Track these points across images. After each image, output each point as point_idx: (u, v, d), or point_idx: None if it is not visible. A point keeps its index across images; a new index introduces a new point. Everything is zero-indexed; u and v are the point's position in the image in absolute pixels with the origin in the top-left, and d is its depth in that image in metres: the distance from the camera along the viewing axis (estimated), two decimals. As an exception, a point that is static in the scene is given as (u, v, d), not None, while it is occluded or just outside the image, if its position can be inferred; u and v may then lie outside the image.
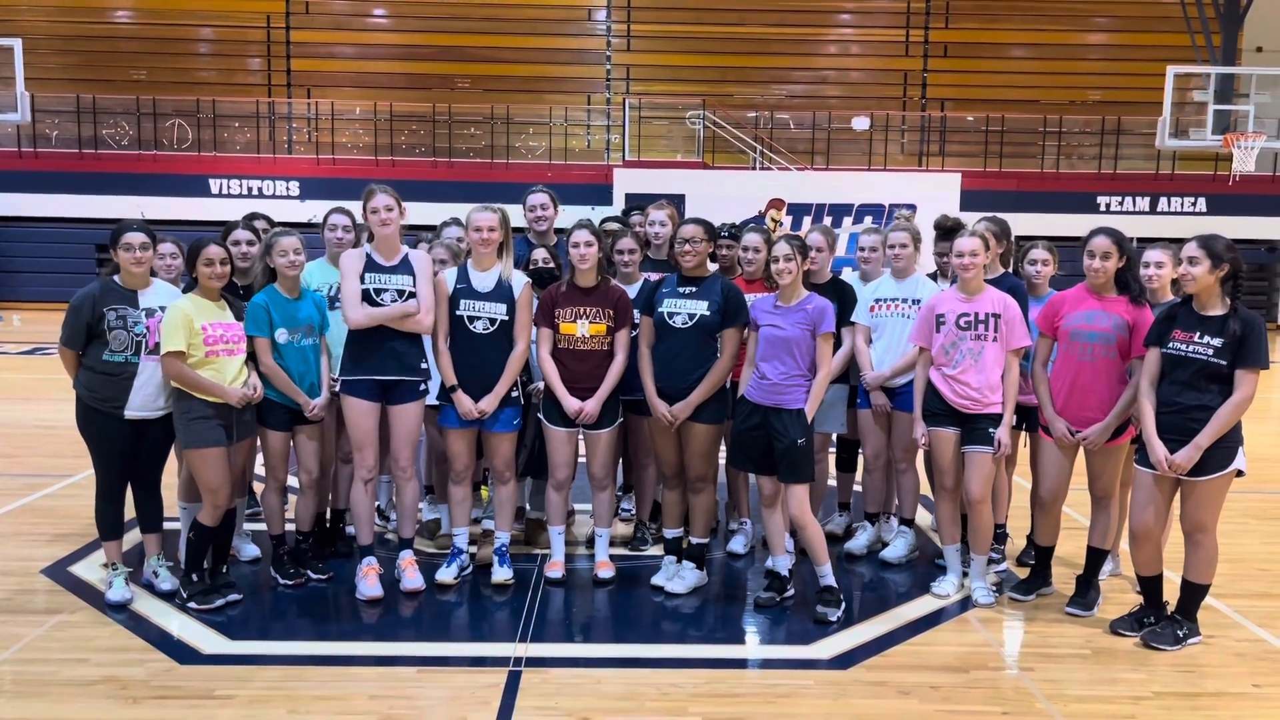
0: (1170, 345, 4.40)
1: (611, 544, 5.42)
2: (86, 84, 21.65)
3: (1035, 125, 21.92)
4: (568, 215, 5.91)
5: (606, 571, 5.22)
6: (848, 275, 5.81)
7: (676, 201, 7.30)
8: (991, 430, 4.85)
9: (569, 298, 5.05)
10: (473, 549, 5.40)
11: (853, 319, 5.48)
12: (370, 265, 4.87)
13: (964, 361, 4.87)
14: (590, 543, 5.54)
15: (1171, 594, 4.65)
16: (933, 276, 5.66)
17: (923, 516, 6.01)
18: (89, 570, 5.22)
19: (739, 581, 5.35)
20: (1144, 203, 21.17)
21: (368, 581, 4.93)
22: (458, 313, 4.95)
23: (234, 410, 4.69)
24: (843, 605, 4.82)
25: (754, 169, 21.16)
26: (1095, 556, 4.94)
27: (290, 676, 4.13)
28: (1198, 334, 4.33)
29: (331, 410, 5.08)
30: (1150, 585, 4.64)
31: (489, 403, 4.94)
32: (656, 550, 5.54)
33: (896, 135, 22.76)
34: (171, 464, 4.99)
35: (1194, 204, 21.05)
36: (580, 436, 5.21)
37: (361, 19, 23.84)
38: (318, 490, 5.25)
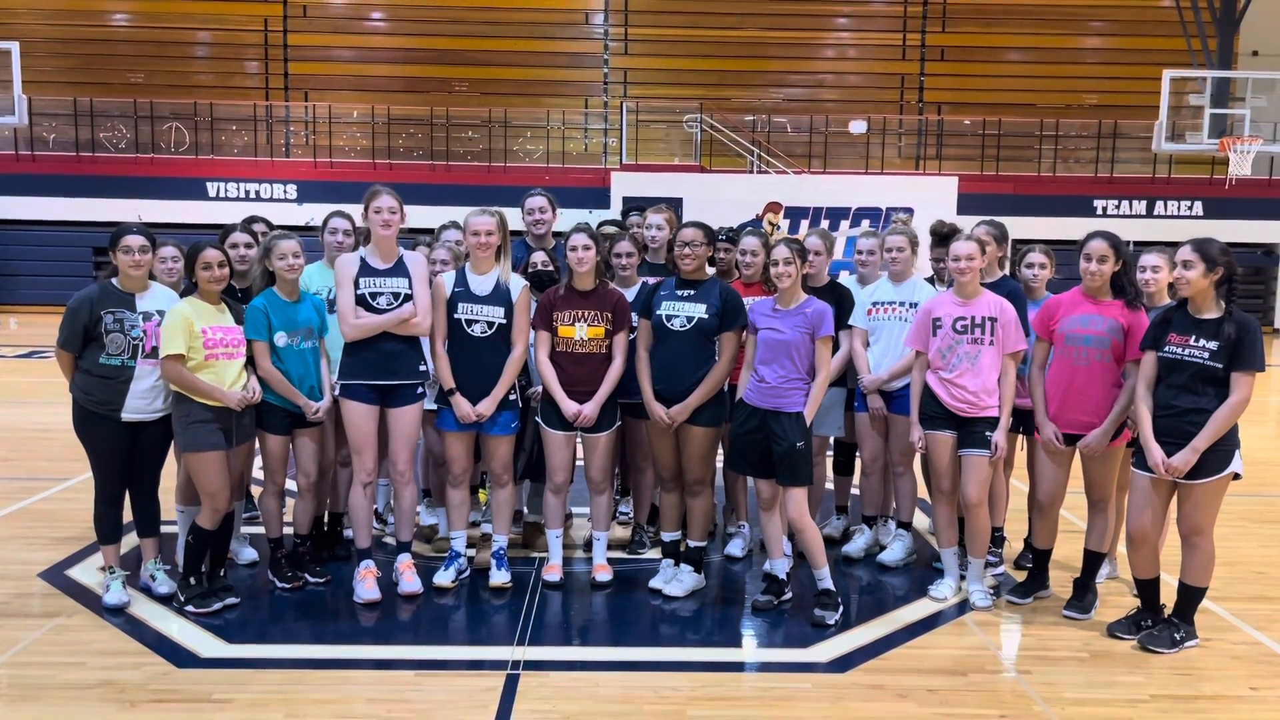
0: (1166, 349, 4.41)
1: (609, 547, 5.42)
2: (84, 87, 21.64)
3: (1032, 129, 21.96)
4: (566, 218, 5.92)
5: (604, 575, 5.22)
6: (845, 279, 5.83)
7: (674, 205, 7.30)
8: (988, 433, 4.86)
9: (567, 301, 5.06)
10: (471, 552, 5.40)
11: (850, 322, 5.49)
12: (365, 269, 4.88)
13: (961, 365, 4.88)
14: (588, 546, 5.54)
15: (1169, 597, 4.66)
16: (930, 280, 5.67)
17: (920, 520, 6.02)
18: (86, 574, 5.22)
19: (737, 584, 5.35)
20: (1140, 206, 21.20)
21: (366, 585, 4.93)
22: (456, 316, 4.95)
23: (233, 414, 4.69)
24: (840, 608, 4.83)
25: (751, 172, 21.18)
26: (1092, 560, 4.95)
27: (288, 680, 4.13)
28: (1193, 337, 4.34)
29: (331, 414, 5.08)
30: (1147, 588, 4.65)
31: (487, 406, 4.94)
32: (654, 553, 5.55)
33: (893, 139, 22.80)
34: (169, 467, 4.99)
35: (1190, 208, 21.07)
36: (578, 440, 5.21)
37: (359, 22, 23.86)
38: (316, 494, 5.25)
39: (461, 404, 4.93)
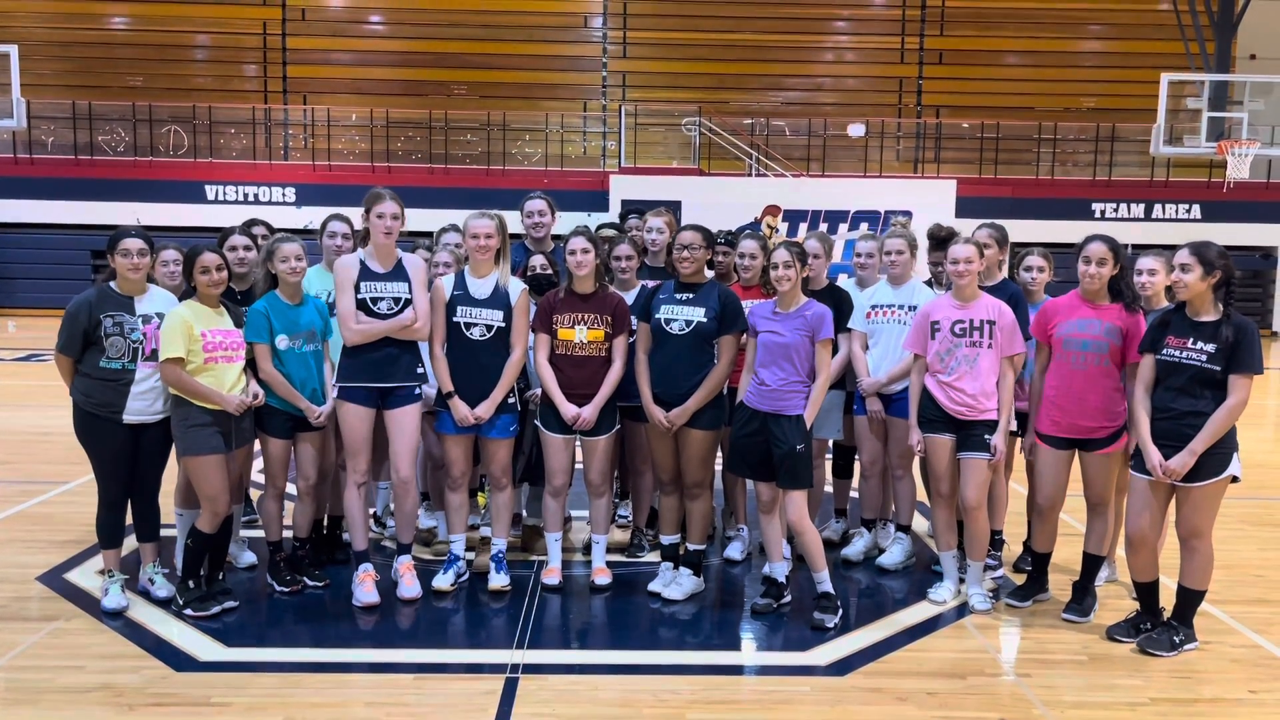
0: (1164, 351, 4.42)
1: (608, 550, 5.42)
2: (83, 90, 21.67)
3: (1030, 132, 21.99)
4: (565, 222, 5.92)
5: (603, 578, 5.22)
6: (844, 282, 5.83)
7: (673, 208, 7.30)
8: (987, 436, 4.86)
9: (567, 304, 5.06)
10: (470, 555, 5.39)
11: (849, 325, 5.49)
12: (365, 273, 4.87)
13: (959, 368, 4.88)
14: (587, 549, 5.53)
15: (1168, 600, 4.66)
16: (929, 284, 5.67)
17: (919, 523, 6.01)
18: (85, 577, 5.21)
19: (736, 588, 5.35)
20: (1139, 209, 21.23)
21: (364, 588, 4.93)
22: (455, 319, 4.95)
23: (232, 417, 4.69)
24: (840, 611, 4.82)
25: (750, 176, 21.20)
26: (1091, 563, 4.95)
27: (287, 683, 4.13)
28: (1191, 340, 4.35)
29: (332, 418, 5.07)
30: (1146, 591, 4.65)
31: (485, 409, 4.94)
32: (653, 556, 5.54)
33: (892, 142, 22.84)
34: (169, 472, 4.98)
35: (1188, 210, 21.11)
36: (577, 443, 5.21)
37: (358, 25, 23.87)
38: (315, 497, 5.25)
39: (460, 407, 4.93)
